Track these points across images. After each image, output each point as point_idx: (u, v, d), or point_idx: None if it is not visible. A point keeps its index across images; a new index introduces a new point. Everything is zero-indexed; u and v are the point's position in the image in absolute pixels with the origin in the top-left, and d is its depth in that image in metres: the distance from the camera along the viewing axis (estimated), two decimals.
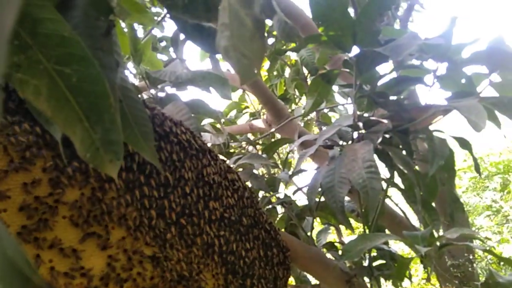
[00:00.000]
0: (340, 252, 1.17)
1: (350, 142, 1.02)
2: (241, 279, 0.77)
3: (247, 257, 0.79)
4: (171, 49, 1.86)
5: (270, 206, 1.12)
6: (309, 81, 1.63)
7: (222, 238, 0.75)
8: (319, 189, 0.97)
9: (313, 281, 1.19)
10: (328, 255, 1.15)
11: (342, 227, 1.50)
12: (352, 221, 1.23)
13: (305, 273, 1.19)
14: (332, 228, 1.34)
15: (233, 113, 1.98)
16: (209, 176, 0.77)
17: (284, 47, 1.78)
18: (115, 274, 0.57)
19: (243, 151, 1.36)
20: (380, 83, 1.04)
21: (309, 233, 1.12)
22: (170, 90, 1.05)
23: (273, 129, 1.33)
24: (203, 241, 0.71)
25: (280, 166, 1.31)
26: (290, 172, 1.17)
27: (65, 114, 0.32)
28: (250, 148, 1.37)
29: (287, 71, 1.99)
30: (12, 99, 0.54)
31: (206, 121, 1.40)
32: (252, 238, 0.82)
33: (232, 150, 1.32)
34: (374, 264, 1.10)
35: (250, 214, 0.84)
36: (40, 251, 0.51)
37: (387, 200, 1.20)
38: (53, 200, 0.54)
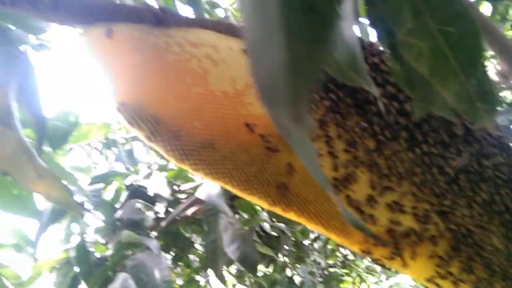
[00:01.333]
0: None
1: None
2: None
3: None
4: None
5: None
6: None
7: (498, 196, 0.71)
8: None
9: None
10: None
11: None
12: None
13: None
14: None
15: None
16: (477, 133, 0.73)
17: None
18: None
19: None
20: None
21: None
22: None
23: None
24: (481, 198, 0.69)
25: None
26: None
27: (442, 71, 0.35)
28: None
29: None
30: None
31: None
32: None
33: None
34: None
35: None
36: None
37: None
38: (352, 156, 0.60)
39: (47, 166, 0.44)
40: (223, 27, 0.60)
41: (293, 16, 0.08)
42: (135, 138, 1.91)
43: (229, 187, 0.53)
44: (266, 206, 0.54)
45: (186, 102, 0.51)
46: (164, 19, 0.53)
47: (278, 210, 0.55)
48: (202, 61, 0.53)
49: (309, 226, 0.56)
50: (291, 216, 0.55)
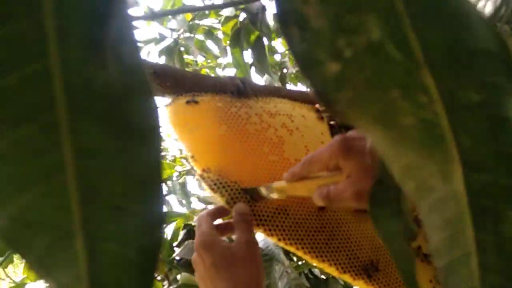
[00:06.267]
0: None
1: None
2: None
3: None
4: None
5: None
6: None
7: None
8: None
9: None
10: None
11: None
12: None
13: None
14: None
15: None
16: None
17: None
18: None
19: None
20: None
21: None
22: None
23: None
24: None
25: None
26: None
27: None
28: None
29: None
30: None
31: None
32: None
33: None
34: None
35: None
36: None
37: None
38: None
39: None
40: (296, 95, 0.63)
41: (486, 255, 0.11)
42: (188, 173, 1.97)
43: (300, 253, 0.55)
44: (336, 273, 0.55)
45: (263, 169, 0.54)
46: (244, 90, 0.57)
47: (347, 278, 0.56)
48: (279, 130, 0.56)
49: None
50: (360, 284, 0.56)
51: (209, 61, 1.54)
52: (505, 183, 0.11)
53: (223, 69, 1.51)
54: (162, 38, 1.26)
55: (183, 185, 1.96)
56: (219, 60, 1.48)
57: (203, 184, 0.54)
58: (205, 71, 1.57)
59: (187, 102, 0.55)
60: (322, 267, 0.55)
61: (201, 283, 0.50)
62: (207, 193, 1.85)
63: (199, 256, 0.49)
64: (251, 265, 0.47)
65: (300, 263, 1.42)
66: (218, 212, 0.54)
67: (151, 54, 1.32)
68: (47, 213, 0.09)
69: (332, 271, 0.55)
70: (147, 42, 1.28)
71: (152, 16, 0.62)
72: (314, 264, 0.58)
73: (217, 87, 0.57)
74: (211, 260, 0.46)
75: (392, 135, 0.11)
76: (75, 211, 0.09)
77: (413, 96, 0.10)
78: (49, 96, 0.09)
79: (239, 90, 0.57)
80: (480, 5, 0.39)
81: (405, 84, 0.10)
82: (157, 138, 0.10)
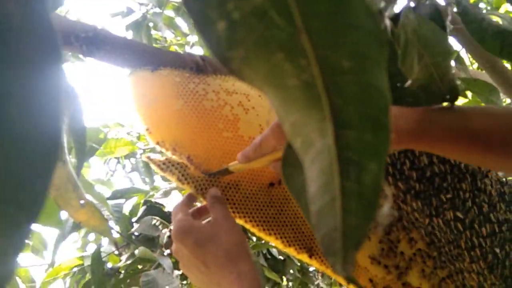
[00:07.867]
0: None
1: None
2: None
3: None
4: None
5: None
6: None
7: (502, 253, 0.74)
8: None
9: None
10: None
11: None
12: None
13: None
14: None
15: None
16: (486, 187, 0.76)
17: None
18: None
19: None
20: None
21: None
22: None
23: None
24: (488, 258, 0.71)
25: None
26: None
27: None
28: None
29: None
30: None
31: None
32: None
33: None
34: None
35: None
36: None
37: None
38: None
39: (89, 198, 0.49)
40: None
41: (348, 199, 0.12)
42: (153, 150, 1.96)
43: (249, 226, 0.57)
44: (281, 246, 0.58)
45: (216, 145, 0.56)
46: (203, 67, 0.58)
47: (291, 251, 0.58)
48: (235, 108, 0.58)
49: (322, 270, 0.59)
50: (304, 258, 0.59)
51: (178, 38, 1.53)
52: (368, 139, 0.12)
53: (191, 47, 1.50)
54: (130, 12, 1.24)
55: (147, 163, 1.95)
56: (188, 38, 1.47)
57: (152, 166, 0.55)
58: (173, 48, 1.56)
59: (146, 74, 0.55)
60: (268, 240, 0.58)
61: (191, 269, 0.49)
62: None
63: (180, 243, 0.48)
64: (234, 234, 0.48)
65: (259, 242, 1.45)
66: (189, 200, 0.55)
67: (118, 28, 1.29)
68: None
69: (278, 244, 0.58)
70: (114, 15, 1.26)
71: None
72: (267, 242, 0.61)
73: (177, 62, 0.58)
74: (193, 241, 0.47)
75: (281, 94, 0.13)
76: None
77: (295, 59, 0.12)
78: None
79: (198, 66, 0.58)
80: None
81: (287, 48, 0.12)
82: (57, 70, 0.11)
